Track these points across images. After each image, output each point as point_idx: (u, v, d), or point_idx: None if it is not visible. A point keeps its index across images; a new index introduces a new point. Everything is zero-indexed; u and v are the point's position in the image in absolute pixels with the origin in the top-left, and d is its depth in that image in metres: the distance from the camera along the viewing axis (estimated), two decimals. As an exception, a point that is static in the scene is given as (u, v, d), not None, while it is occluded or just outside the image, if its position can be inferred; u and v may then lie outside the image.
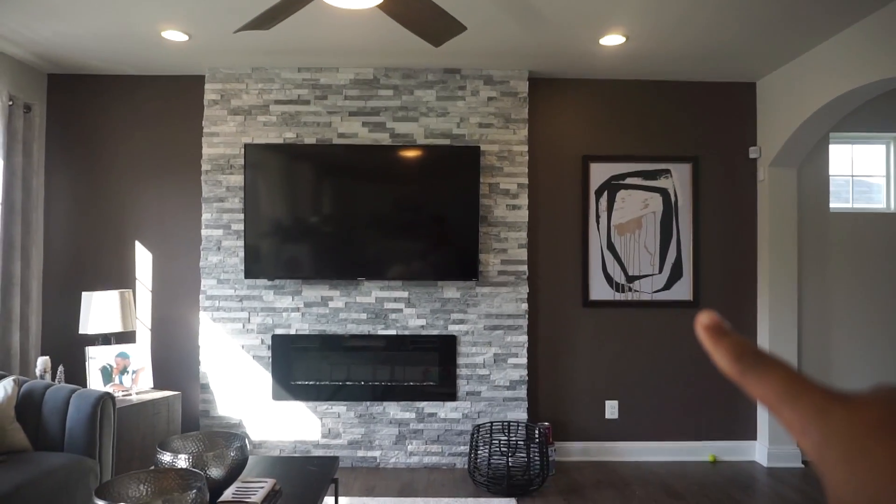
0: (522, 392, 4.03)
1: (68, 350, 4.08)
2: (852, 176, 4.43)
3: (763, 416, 4.18)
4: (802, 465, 4.09)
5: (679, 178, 4.28)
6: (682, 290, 4.26)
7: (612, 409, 4.23)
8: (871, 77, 3.14)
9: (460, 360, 4.02)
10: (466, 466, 3.92)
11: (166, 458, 2.20)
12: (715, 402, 4.25)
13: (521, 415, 4.02)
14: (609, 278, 4.25)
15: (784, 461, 4.10)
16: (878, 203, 4.43)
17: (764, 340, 4.18)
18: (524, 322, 4.05)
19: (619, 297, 4.25)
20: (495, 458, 3.61)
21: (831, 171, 4.33)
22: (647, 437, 4.23)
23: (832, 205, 4.34)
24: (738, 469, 4.06)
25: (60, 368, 3.57)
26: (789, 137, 3.90)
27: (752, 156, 4.28)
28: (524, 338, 4.04)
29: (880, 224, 4.30)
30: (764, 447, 4.14)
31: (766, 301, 4.16)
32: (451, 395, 4.01)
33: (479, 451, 3.67)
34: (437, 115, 4.06)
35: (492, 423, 3.86)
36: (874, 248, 4.29)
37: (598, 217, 4.26)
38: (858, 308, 4.29)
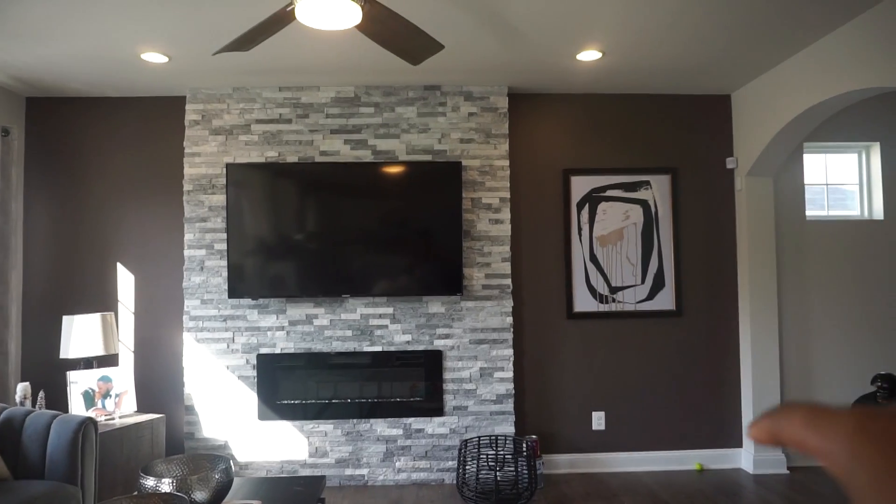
0: (509, 406, 4.04)
1: (49, 375, 4.02)
2: (826, 184, 4.52)
3: (748, 424, 4.21)
4: (788, 472, 4.13)
5: (659, 190, 4.35)
6: (665, 300, 4.31)
7: (598, 420, 4.25)
8: (842, 88, 3.22)
9: (446, 375, 4.02)
10: (455, 482, 3.90)
11: (149, 482, 2.17)
12: (700, 411, 4.29)
13: (508, 428, 4.02)
14: (592, 290, 4.28)
15: (769, 468, 4.14)
16: (852, 210, 4.52)
17: (746, 347, 4.23)
18: (509, 335, 4.06)
19: (602, 308, 4.28)
20: (483, 472, 3.60)
21: (806, 180, 4.42)
22: (634, 448, 4.25)
23: (808, 212, 4.42)
24: (725, 477, 4.09)
25: (41, 394, 3.52)
26: (764, 148, 3.98)
27: (729, 166, 4.35)
28: (510, 351, 4.06)
29: (855, 231, 4.39)
30: (750, 454, 4.18)
31: (748, 308, 4.22)
32: (438, 411, 4.00)
33: (467, 466, 3.67)
34: (418, 131, 4.09)
35: (479, 437, 3.86)
36: (849, 253, 4.38)
37: (580, 229, 4.30)
38: (836, 313, 4.36)
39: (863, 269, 4.38)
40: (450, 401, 4.02)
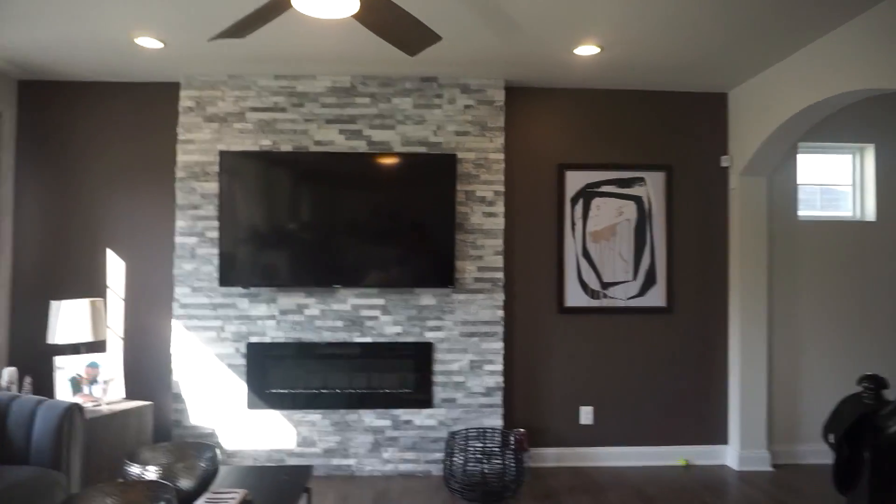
0: (498, 399, 4.05)
1: (37, 360, 4.00)
2: (820, 185, 4.53)
3: (735, 421, 4.25)
4: (772, 469, 4.16)
5: (653, 186, 4.35)
6: (656, 297, 4.32)
7: (587, 414, 4.27)
8: (838, 89, 3.22)
9: (436, 368, 4.03)
10: (442, 474, 3.91)
11: (135, 469, 2.17)
12: (687, 407, 4.31)
13: (496, 421, 4.03)
14: (584, 285, 4.29)
15: (754, 465, 4.17)
16: (844, 211, 4.53)
17: (735, 345, 4.25)
18: (500, 329, 4.07)
19: (594, 303, 4.29)
20: (471, 465, 3.61)
21: (800, 180, 4.43)
22: (621, 442, 4.27)
23: (801, 212, 4.43)
24: (710, 473, 4.12)
25: (28, 379, 3.50)
26: (759, 147, 3.99)
27: (723, 164, 4.36)
28: (500, 344, 4.06)
29: (847, 231, 4.41)
30: (735, 451, 4.21)
31: (738, 306, 4.23)
32: (426, 403, 4.01)
33: (454, 458, 3.68)
34: (413, 122, 4.07)
35: (467, 429, 3.87)
36: (841, 254, 4.40)
37: (573, 224, 4.30)
38: (826, 313, 4.38)
39: (853, 269, 4.40)
40: (439, 393, 4.02)
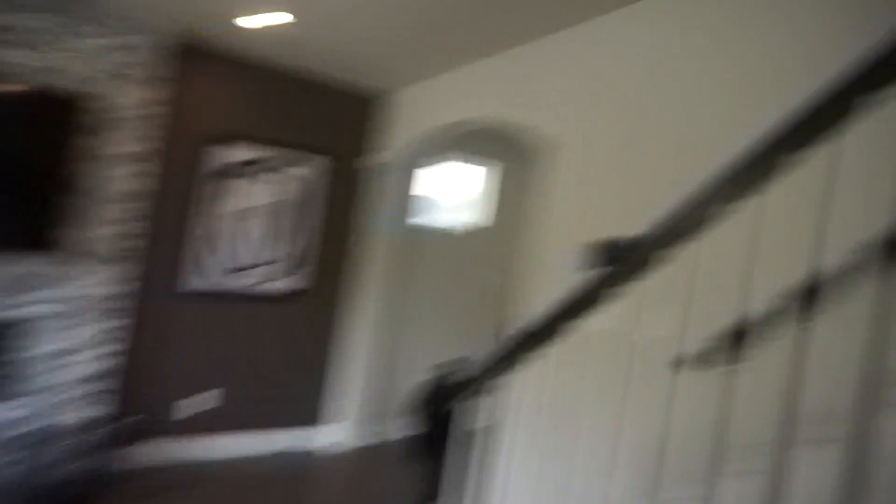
0: (108, 386, 3.59)
1: None
2: (455, 191, 5.10)
3: (352, 402, 4.57)
4: (379, 444, 4.66)
5: (311, 173, 4.35)
6: (298, 281, 4.35)
7: (207, 401, 4.09)
8: (470, 113, 3.64)
9: (32, 350, 3.36)
10: (20, 478, 3.28)
11: None
12: (312, 390, 4.51)
13: (103, 412, 3.56)
14: (221, 266, 4.05)
15: (364, 441, 4.59)
16: (471, 216, 5.16)
17: (356, 333, 4.54)
18: (117, 307, 3.60)
19: (230, 284, 4.08)
20: (59, 465, 3.10)
21: (438, 185, 4.95)
22: (242, 429, 4.22)
23: (435, 214, 4.95)
24: (322, 453, 4.41)
25: None
26: (407, 150, 4.35)
27: (377, 161, 4.60)
28: (116, 324, 3.60)
29: (466, 235, 5.06)
30: (346, 430, 4.54)
31: (366, 295, 4.55)
32: (15, 393, 3.32)
33: (37, 459, 3.12)
34: (46, 50, 3.26)
35: (65, 423, 3.32)
36: (461, 253, 5.05)
37: (218, 202, 4.02)
38: (438, 305, 4.98)
39: (470, 267, 5.09)
40: (33, 380, 3.37)
